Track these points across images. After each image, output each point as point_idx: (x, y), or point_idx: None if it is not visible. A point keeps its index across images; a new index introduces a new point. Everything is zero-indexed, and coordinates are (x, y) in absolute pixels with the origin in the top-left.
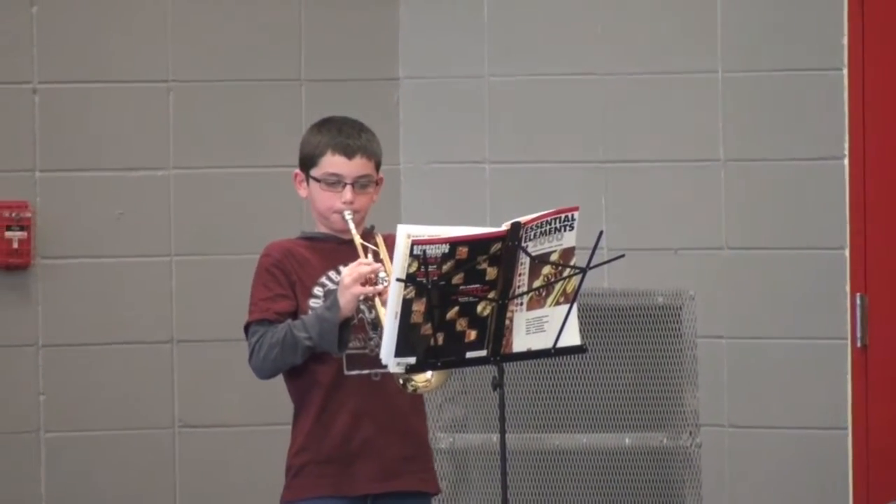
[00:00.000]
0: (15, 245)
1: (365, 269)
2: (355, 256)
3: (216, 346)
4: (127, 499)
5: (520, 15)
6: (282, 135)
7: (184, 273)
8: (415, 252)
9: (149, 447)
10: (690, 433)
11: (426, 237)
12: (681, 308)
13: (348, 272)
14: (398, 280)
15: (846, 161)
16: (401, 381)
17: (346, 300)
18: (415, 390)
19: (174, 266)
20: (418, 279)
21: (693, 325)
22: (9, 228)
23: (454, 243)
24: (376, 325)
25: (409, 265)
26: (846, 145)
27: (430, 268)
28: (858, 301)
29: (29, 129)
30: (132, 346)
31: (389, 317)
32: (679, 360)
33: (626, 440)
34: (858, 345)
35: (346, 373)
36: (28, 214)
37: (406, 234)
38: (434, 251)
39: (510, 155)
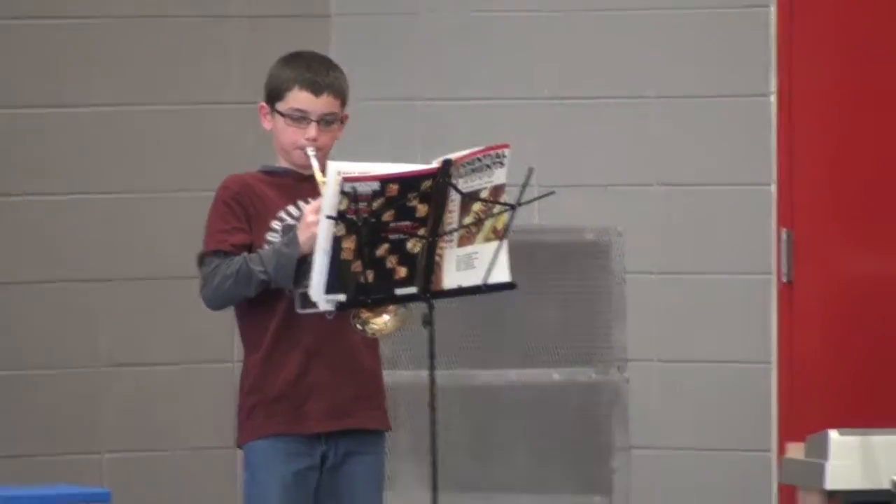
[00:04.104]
0: None
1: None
2: (315, 192)
3: (146, 284)
4: (55, 438)
5: None
6: (212, 71)
7: (117, 211)
8: (345, 189)
9: (77, 386)
10: (619, 368)
11: (356, 174)
12: (610, 244)
13: (311, 210)
14: (328, 217)
15: (773, 98)
16: (358, 326)
17: (305, 237)
18: (373, 334)
19: (109, 204)
20: (348, 216)
21: (622, 261)
22: None
23: (384, 180)
24: None
25: (340, 202)
26: (773, 82)
27: (361, 205)
28: (784, 236)
29: None
30: (61, 285)
31: (319, 254)
32: (608, 295)
33: (555, 375)
34: (784, 280)
35: (299, 311)
36: None
37: (336, 170)
38: (364, 188)
39: (441, 92)
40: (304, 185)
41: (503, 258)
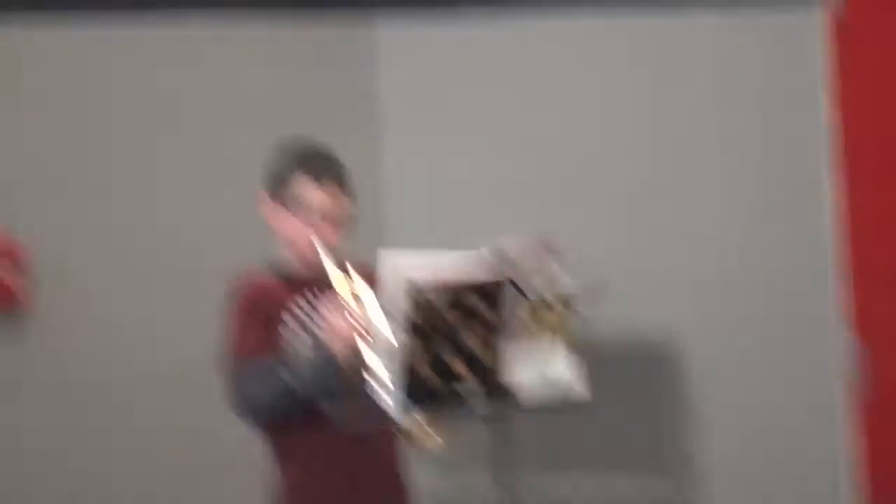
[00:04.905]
0: None
1: (351, 327)
2: (321, 284)
3: None
4: None
5: None
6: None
7: None
8: (411, 294)
9: None
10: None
11: (424, 281)
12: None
13: (333, 316)
14: (398, 325)
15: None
16: (407, 439)
17: (339, 347)
18: (420, 447)
19: None
20: (417, 322)
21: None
22: None
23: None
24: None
25: (405, 305)
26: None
27: (428, 312)
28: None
29: None
30: None
31: (389, 363)
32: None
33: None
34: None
35: (339, 426)
36: None
37: (399, 270)
38: (430, 293)
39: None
40: (308, 277)
41: (577, 372)
